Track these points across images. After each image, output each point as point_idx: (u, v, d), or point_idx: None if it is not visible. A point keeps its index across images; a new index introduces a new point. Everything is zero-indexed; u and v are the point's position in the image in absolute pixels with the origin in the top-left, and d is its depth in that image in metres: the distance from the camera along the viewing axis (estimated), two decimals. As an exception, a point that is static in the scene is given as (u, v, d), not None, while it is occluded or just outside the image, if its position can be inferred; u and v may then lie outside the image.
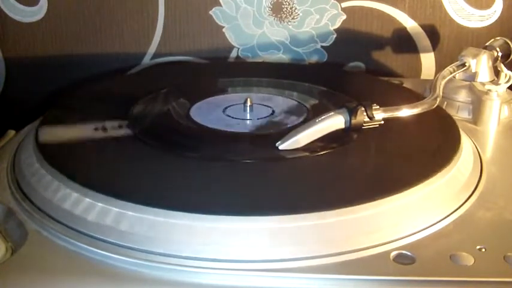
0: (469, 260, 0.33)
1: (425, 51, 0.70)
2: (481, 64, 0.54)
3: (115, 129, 0.46)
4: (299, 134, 0.43)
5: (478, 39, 0.68)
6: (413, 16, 0.69)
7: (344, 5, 0.69)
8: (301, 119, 0.49)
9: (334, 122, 0.43)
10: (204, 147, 0.45)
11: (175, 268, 0.33)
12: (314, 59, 0.71)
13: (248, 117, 0.50)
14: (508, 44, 0.57)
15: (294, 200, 0.37)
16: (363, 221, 0.35)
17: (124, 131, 0.46)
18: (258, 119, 0.49)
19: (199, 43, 0.71)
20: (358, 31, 0.70)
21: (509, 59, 0.57)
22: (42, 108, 0.52)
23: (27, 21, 0.70)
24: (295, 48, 0.71)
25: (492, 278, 0.32)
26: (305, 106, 0.52)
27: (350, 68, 0.71)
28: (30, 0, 0.69)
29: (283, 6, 0.69)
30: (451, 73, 0.52)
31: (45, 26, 0.70)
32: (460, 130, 0.47)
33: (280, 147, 0.43)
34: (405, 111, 0.45)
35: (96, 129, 0.45)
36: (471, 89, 0.54)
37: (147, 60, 0.72)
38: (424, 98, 0.48)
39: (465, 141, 0.46)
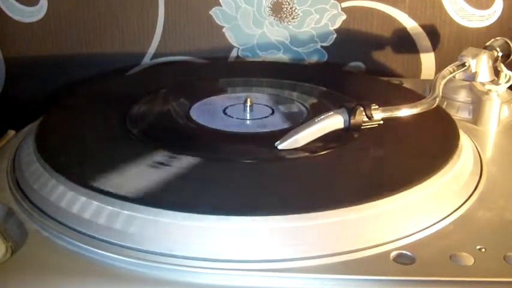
0: (469, 260, 0.33)
1: (425, 51, 0.70)
2: (481, 64, 0.54)
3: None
4: (298, 134, 0.43)
5: (478, 39, 0.68)
6: (413, 16, 0.69)
7: (344, 5, 0.69)
8: (300, 119, 0.49)
9: (333, 121, 0.43)
10: (204, 147, 0.45)
11: (175, 268, 0.33)
12: (314, 59, 0.71)
13: (248, 117, 0.50)
14: (508, 44, 0.57)
15: (294, 200, 0.36)
16: (363, 221, 0.35)
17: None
18: (257, 119, 0.49)
19: (199, 43, 0.71)
20: (358, 31, 0.70)
21: (509, 59, 0.57)
22: (42, 108, 0.52)
23: (27, 21, 0.70)
24: (295, 48, 0.71)
25: (492, 278, 0.32)
26: (305, 106, 0.52)
27: (350, 68, 0.71)
28: (30, 0, 0.69)
29: (283, 6, 0.69)
30: (451, 73, 0.52)
31: (45, 26, 0.70)
32: (460, 130, 0.47)
33: (279, 147, 0.43)
34: (404, 111, 0.45)
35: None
36: (471, 89, 0.54)
37: (147, 60, 0.72)
38: (423, 98, 0.48)
39: (465, 141, 0.46)
